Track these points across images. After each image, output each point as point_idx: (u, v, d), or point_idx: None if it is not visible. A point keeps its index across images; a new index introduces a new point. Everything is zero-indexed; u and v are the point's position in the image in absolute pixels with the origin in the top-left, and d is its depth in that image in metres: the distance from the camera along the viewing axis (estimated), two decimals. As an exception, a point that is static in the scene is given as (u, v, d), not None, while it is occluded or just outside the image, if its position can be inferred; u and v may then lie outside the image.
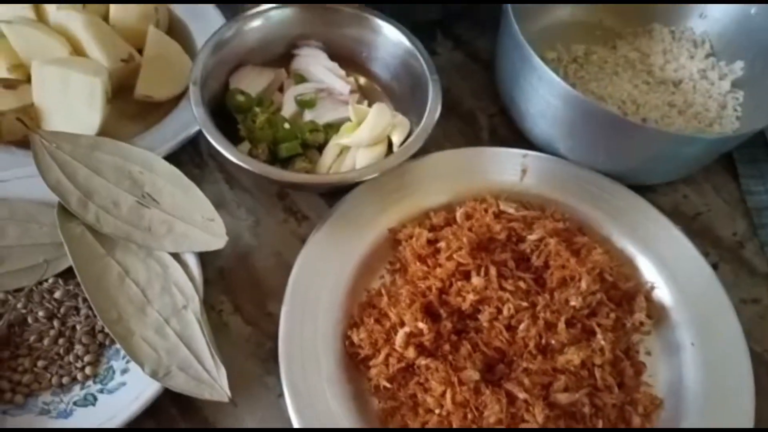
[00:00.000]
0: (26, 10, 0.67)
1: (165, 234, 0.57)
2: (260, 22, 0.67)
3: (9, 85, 0.62)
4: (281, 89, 0.69)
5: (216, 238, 0.56)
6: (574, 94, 0.60)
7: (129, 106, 0.68)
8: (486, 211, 0.62)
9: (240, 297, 0.60)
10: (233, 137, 0.64)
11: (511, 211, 0.62)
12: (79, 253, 0.55)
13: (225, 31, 0.65)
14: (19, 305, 0.55)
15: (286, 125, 0.64)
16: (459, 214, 0.62)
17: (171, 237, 0.57)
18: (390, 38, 0.67)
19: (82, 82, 0.61)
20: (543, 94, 0.63)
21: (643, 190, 0.65)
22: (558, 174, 0.65)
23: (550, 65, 0.72)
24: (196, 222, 0.57)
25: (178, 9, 0.73)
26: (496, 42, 0.70)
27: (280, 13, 0.68)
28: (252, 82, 0.67)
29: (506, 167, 0.65)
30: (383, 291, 0.58)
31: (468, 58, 0.78)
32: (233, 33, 0.65)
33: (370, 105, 0.68)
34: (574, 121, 0.63)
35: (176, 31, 0.73)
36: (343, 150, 0.64)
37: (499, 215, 0.62)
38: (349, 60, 0.71)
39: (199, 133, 0.63)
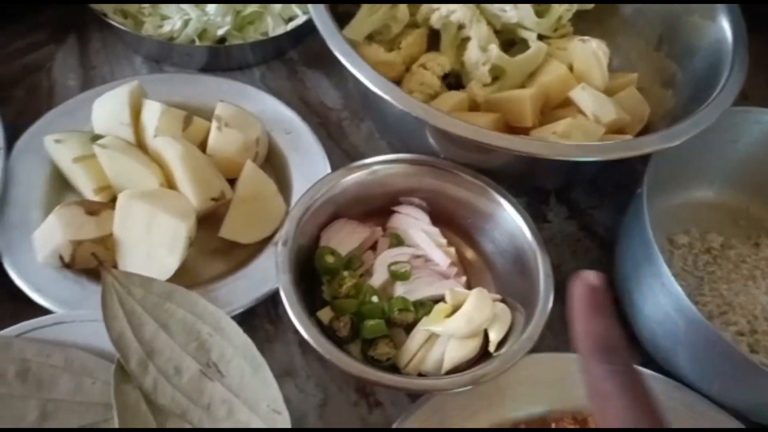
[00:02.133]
0: (125, 128, 0.63)
1: (224, 417, 0.51)
2: (365, 174, 0.62)
3: (92, 210, 0.59)
4: (374, 248, 0.63)
5: (279, 438, 0.49)
6: (700, 319, 0.51)
7: (211, 240, 0.63)
8: (588, 440, 0.53)
9: (295, 492, 0.53)
10: (316, 298, 0.59)
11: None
12: (130, 426, 0.50)
13: (324, 186, 0.60)
14: (56, 473, 0.50)
15: (375, 298, 0.58)
16: (554, 436, 0.54)
17: (230, 422, 0.50)
18: (508, 222, 0.60)
19: (167, 223, 0.57)
20: (663, 303, 0.55)
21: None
22: (670, 403, 0.56)
23: (678, 251, 0.65)
24: (260, 411, 0.50)
25: (281, 140, 0.69)
26: (622, 221, 0.63)
27: (389, 167, 0.62)
28: (344, 239, 0.61)
29: (615, 385, 0.57)
30: None
31: (582, 231, 0.70)
32: (332, 186, 0.60)
33: (468, 278, 0.62)
34: (696, 346, 0.54)
35: (273, 163, 0.68)
36: (432, 336, 0.57)
37: (600, 447, 0.53)
38: (450, 222, 0.64)
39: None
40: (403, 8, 0.71)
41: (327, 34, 0.60)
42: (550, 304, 0.55)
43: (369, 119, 0.74)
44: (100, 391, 0.52)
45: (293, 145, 0.68)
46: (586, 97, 0.68)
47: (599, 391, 0.33)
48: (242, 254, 0.63)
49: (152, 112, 0.63)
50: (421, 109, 0.57)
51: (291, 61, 0.79)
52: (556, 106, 0.72)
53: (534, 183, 0.69)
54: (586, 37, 0.74)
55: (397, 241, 0.62)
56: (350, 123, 0.75)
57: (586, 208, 0.71)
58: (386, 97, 0.57)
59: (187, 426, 0.50)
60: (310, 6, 0.62)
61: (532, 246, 0.58)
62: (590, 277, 0.33)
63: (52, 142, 0.62)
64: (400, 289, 0.59)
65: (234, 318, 0.58)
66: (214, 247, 0.63)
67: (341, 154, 0.72)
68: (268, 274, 0.60)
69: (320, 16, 0.61)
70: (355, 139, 0.74)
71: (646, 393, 0.33)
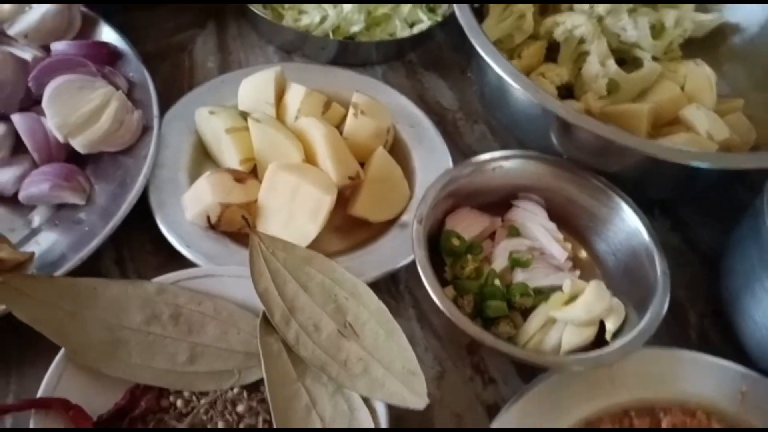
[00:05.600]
0: (268, 107, 0.68)
1: (360, 374, 0.54)
2: (489, 168, 0.65)
3: (239, 178, 0.63)
4: (492, 237, 0.67)
5: (415, 396, 0.52)
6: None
7: (336, 218, 0.67)
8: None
9: (413, 455, 0.56)
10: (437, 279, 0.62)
11: (727, 440, 0.55)
12: (273, 373, 0.54)
13: (457, 173, 0.64)
14: (202, 411, 0.54)
15: (497, 281, 0.61)
16: (665, 423, 0.56)
17: (366, 379, 0.54)
18: (626, 223, 0.63)
19: (312, 195, 0.61)
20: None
21: None
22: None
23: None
24: (395, 371, 0.54)
25: (406, 132, 0.73)
26: (731, 235, 0.66)
27: (511, 163, 0.66)
28: (467, 227, 0.65)
29: (723, 384, 0.59)
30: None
31: (685, 245, 0.73)
32: (463, 176, 0.64)
33: (581, 276, 0.65)
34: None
35: (397, 152, 0.72)
36: (549, 321, 0.60)
37: (711, 441, 0.56)
38: (563, 220, 0.68)
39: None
40: (528, 20, 0.76)
41: (468, 29, 0.65)
42: (668, 300, 0.58)
43: (489, 118, 0.79)
44: (243, 340, 0.56)
45: (417, 138, 0.73)
46: (701, 115, 0.71)
47: None
48: (363, 234, 0.67)
49: (296, 93, 0.68)
50: (558, 104, 0.61)
51: (410, 63, 0.84)
52: (664, 124, 0.75)
53: (643, 192, 0.72)
54: (699, 60, 0.77)
55: (516, 232, 0.66)
56: (465, 123, 0.79)
57: (691, 223, 0.74)
58: (521, 88, 0.62)
59: (322, 375, 0.54)
60: (455, 5, 0.66)
61: (649, 246, 0.61)
62: None
63: (206, 113, 0.67)
64: (519, 276, 0.63)
65: (360, 290, 0.61)
66: (336, 224, 0.67)
67: (456, 151, 0.75)
68: (393, 252, 0.64)
69: (463, 13, 0.66)
70: (469, 139, 0.78)
71: None
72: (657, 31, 0.80)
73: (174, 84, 0.76)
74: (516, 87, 0.62)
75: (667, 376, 0.59)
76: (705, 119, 0.71)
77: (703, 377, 0.59)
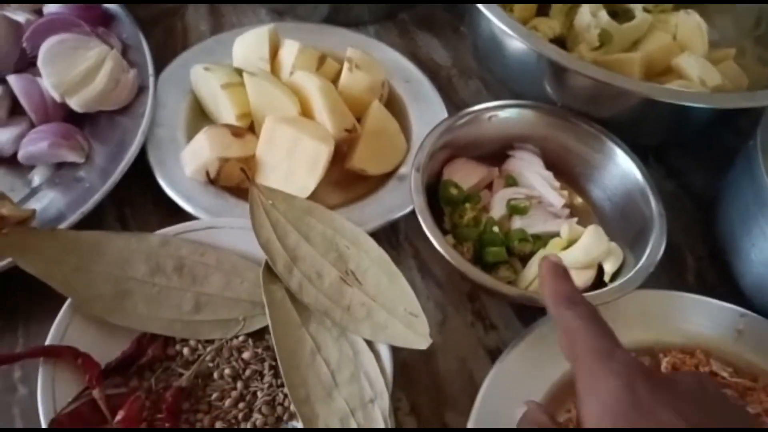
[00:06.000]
0: (263, 63, 0.68)
1: (363, 318, 0.55)
2: (486, 118, 0.66)
3: (237, 133, 0.64)
4: (489, 187, 0.67)
5: (418, 337, 0.53)
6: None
7: (334, 173, 0.67)
8: (696, 368, 0.57)
9: (418, 398, 0.57)
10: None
11: (724, 375, 0.57)
12: (278, 319, 0.54)
13: (453, 123, 0.64)
14: (208, 358, 0.54)
15: (495, 228, 0.62)
16: (664, 364, 0.57)
17: (369, 323, 0.55)
18: (620, 167, 0.64)
19: (310, 146, 0.61)
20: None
21: None
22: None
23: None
24: (398, 314, 0.55)
25: (401, 87, 0.73)
26: (726, 176, 0.67)
27: (508, 112, 0.66)
28: (465, 176, 0.66)
29: (720, 323, 0.60)
30: (571, 426, 0.54)
31: (680, 190, 0.74)
32: (459, 125, 0.65)
33: (578, 223, 0.66)
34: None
35: (393, 107, 0.72)
36: (549, 266, 0.60)
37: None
38: (559, 169, 0.68)
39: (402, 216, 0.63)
40: (519, -27, 0.76)
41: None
42: (665, 239, 0.59)
43: (483, 73, 0.80)
44: (247, 289, 0.57)
45: (412, 93, 0.73)
46: (693, 62, 0.72)
47: (569, 331, 0.41)
48: (362, 188, 0.67)
49: (290, 49, 0.68)
50: (554, 49, 0.62)
51: (403, 22, 0.85)
52: (657, 74, 0.76)
53: (636, 137, 0.72)
54: (689, 10, 0.77)
55: (513, 182, 0.66)
56: (459, 79, 0.80)
57: (685, 169, 0.75)
58: (516, 36, 0.62)
59: (326, 321, 0.55)
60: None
61: (643, 188, 0.62)
62: (554, 257, 0.46)
63: (201, 69, 0.67)
64: (517, 223, 0.63)
65: (360, 240, 0.62)
66: (334, 179, 0.67)
67: (452, 106, 0.75)
68: (392, 203, 0.65)
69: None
70: (463, 93, 0.78)
71: (606, 324, 0.41)
72: (649, -19, 0.80)
73: (167, 48, 0.76)
74: (511, 34, 0.62)
75: (666, 317, 0.60)
76: (697, 66, 0.71)
77: (701, 318, 0.60)
